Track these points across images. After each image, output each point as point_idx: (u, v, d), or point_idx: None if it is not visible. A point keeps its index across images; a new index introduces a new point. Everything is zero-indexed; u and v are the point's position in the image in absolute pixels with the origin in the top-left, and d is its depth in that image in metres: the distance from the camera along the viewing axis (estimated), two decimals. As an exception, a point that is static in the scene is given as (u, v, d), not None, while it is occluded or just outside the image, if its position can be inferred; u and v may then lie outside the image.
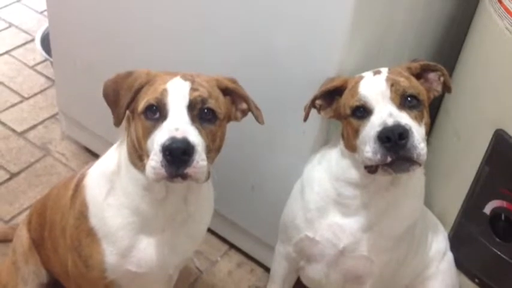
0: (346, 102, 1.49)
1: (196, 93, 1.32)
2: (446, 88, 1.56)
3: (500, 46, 1.68)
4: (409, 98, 1.44)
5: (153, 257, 1.48)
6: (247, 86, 1.47)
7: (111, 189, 1.45)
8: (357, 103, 1.45)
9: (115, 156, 1.47)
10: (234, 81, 1.44)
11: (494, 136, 1.72)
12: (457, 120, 1.87)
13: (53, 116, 2.70)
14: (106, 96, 1.41)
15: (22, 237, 1.83)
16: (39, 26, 3.12)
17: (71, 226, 1.53)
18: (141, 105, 1.33)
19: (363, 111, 1.45)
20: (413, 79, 1.49)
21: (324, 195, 1.60)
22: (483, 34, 1.78)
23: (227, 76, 1.44)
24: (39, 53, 2.90)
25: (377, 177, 1.49)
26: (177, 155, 1.24)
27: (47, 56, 2.78)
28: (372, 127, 1.40)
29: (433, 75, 1.55)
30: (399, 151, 1.36)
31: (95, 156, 2.47)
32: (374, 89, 1.44)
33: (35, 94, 2.82)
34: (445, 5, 1.96)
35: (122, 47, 2.06)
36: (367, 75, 1.50)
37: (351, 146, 1.49)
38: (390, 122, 1.37)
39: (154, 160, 1.26)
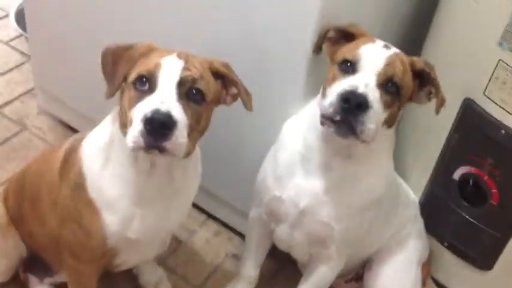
0: (346, 51, 1.51)
1: (187, 73, 1.34)
2: (436, 106, 1.55)
3: (468, 17, 1.72)
4: (390, 83, 1.46)
5: (150, 224, 1.52)
6: (226, 58, 1.48)
7: (107, 160, 1.47)
8: (350, 57, 1.47)
9: (108, 127, 1.49)
10: (227, 66, 1.45)
11: (462, 105, 1.77)
12: (426, 89, 1.92)
13: (29, 91, 2.68)
14: (104, 65, 1.41)
15: (-1, 212, 1.84)
16: (12, 1, 3.08)
17: (66, 197, 1.54)
18: (133, 75, 1.35)
19: (349, 68, 1.47)
20: (409, 74, 1.50)
21: (293, 149, 1.63)
22: (452, 5, 1.82)
23: (220, 60, 1.46)
24: (14, 29, 2.88)
25: (336, 140, 1.51)
26: (157, 126, 1.26)
27: (22, 32, 2.77)
28: (343, 83, 1.44)
29: (427, 88, 1.55)
30: (349, 116, 1.40)
31: (72, 130, 2.48)
32: (373, 57, 1.47)
33: (10, 69, 2.79)
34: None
35: (98, 21, 2.06)
36: (379, 43, 1.51)
37: (324, 91, 1.51)
38: (361, 89, 1.41)
39: (135, 128, 1.28)
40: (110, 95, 1.40)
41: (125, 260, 1.67)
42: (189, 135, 1.33)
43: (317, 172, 1.60)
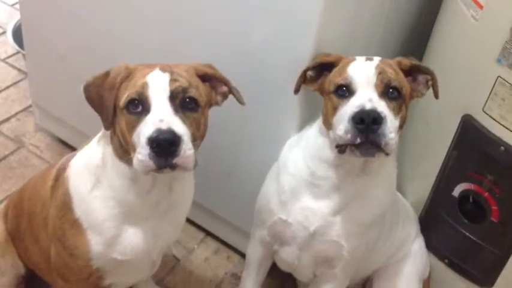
0: (333, 78, 1.52)
1: (176, 84, 1.33)
2: (434, 93, 1.58)
3: (467, 34, 1.72)
4: (391, 89, 1.47)
5: (138, 245, 1.50)
6: (224, 74, 1.48)
7: (97, 183, 1.45)
8: (342, 82, 1.48)
9: (99, 150, 1.47)
10: (211, 67, 1.46)
11: (461, 121, 1.77)
12: (425, 106, 1.91)
13: (25, 109, 2.69)
14: (91, 101, 1.40)
15: (-2, 229, 1.83)
16: (10, 19, 3.10)
17: (54, 216, 1.53)
18: (123, 100, 1.33)
19: (345, 91, 1.47)
20: (400, 74, 1.52)
21: (298, 175, 1.63)
22: (450, 22, 1.82)
23: (203, 63, 1.46)
24: (11, 46, 2.88)
25: (349, 160, 1.53)
26: (164, 146, 1.25)
27: (19, 49, 2.77)
28: (349, 107, 1.44)
29: (422, 78, 1.58)
30: (369, 135, 1.40)
31: (69, 147, 2.47)
32: (362, 72, 1.47)
33: (7, 87, 2.80)
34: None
35: (95, 39, 2.06)
36: (360, 59, 1.53)
37: (328, 123, 1.52)
38: (368, 106, 1.41)
39: (142, 153, 1.27)
40: (107, 127, 1.39)
41: (114, 281, 1.64)
42: (193, 144, 1.32)
43: (326, 195, 1.60)
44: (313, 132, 1.62)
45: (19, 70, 2.89)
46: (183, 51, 1.70)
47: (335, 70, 1.54)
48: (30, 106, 2.65)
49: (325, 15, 1.57)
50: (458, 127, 1.78)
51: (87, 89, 1.40)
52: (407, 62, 1.55)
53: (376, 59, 1.52)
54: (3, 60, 2.95)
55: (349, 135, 1.41)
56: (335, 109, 1.49)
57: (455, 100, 1.77)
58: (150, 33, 1.91)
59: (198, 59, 1.47)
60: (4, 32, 3.04)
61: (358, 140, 1.41)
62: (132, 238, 1.49)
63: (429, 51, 1.95)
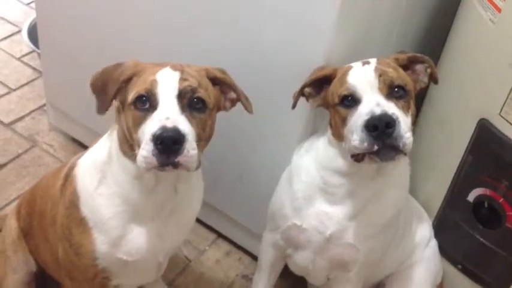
0: (334, 91, 1.51)
1: (185, 83, 1.33)
2: (433, 79, 1.58)
3: (484, 37, 1.70)
4: (396, 89, 1.46)
5: (143, 246, 1.50)
6: (235, 77, 1.48)
7: (102, 179, 1.46)
8: (345, 92, 1.47)
9: (105, 146, 1.48)
10: (223, 72, 1.46)
11: (477, 125, 1.75)
12: (441, 110, 1.90)
13: (40, 108, 2.70)
14: (94, 86, 1.42)
15: (11, 226, 1.84)
16: (25, 17, 3.11)
17: (62, 215, 1.54)
18: (131, 95, 1.34)
19: (351, 100, 1.46)
20: (400, 70, 1.51)
21: (310, 183, 1.62)
22: (467, 25, 1.81)
23: (216, 66, 1.45)
24: (26, 45, 2.89)
25: (363, 166, 1.51)
26: (168, 144, 1.25)
27: (34, 48, 2.78)
28: (359, 116, 1.42)
29: (420, 67, 1.57)
30: (386, 140, 1.38)
31: (83, 147, 2.47)
32: (362, 78, 1.46)
33: (22, 85, 2.81)
34: (430, -4, 1.99)
35: (109, 38, 2.07)
36: (356, 65, 1.52)
37: (338, 135, 1.51)
38: (378, 111, 1.39)
39: (146, 149, 1.27)
40: (101, 111, 1.40)
41: (121, 283, 1.64)
42: (197, 144, 1.32)
43: (340, 201, 1.59)
44: (322, 143, 1.61)
45: (34, 69, 2.90)
46: (193, 53, 1.69)
47: (335, 82, 1.53)
48: (44, 105, 2.66)
49: (340, 17, 1.56)
50: (474, 131, 1.76)
51: (95, 75, 1.42)
52: (403, 56, 1.54)
53: (373, 61, 1.50)
54: (19, 58, 2.96)
55: (365, 144, 1.40)
56: (344, 120, 1.47)
57: (472, 104, 1.75)
58: (160, 35, 1.91)
59: (209, 61, 1.47)
60: (20, 31, 3.05)
61: (376, 147, 1.39)
62: (138, 238, 1.49)
63: (445, 54, 1.93)
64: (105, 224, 1.46)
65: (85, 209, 1.48)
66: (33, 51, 2.89)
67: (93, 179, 1.47)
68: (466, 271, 1.93)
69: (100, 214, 1.46)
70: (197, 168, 1.34)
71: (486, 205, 1.80)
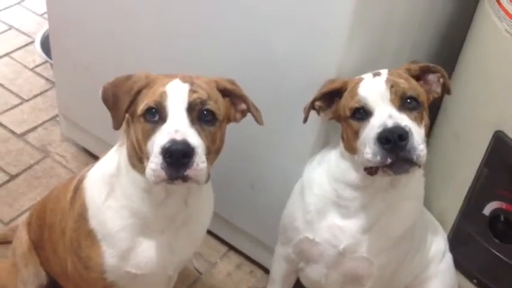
0: (345, 103, 1.49)
1: (195, 95, 1.32)
2: (446, 90, 1.55)
3: (499, 47, 1.68)
4: (408, 100, 1.44)
5: (152, 259, 1.48)
6: (247, 87, 1.47)
7: (111, 192, 1.45)
8: (357, 105, 1.45)
9: (115, 158, 1.47)
10: (233, 83, 1.45)
11: (493, 138, 1.73)
12: (456, 121, 1.88)
13: (52, 118, 2.70)
14: (105, 99, 1.41)
15: (22, 238, 1.84)
16: (39, 28, 3.12)
17: (71, 228, 1.53)
18: (141, 107, 1.33)
19: (362, 113, 1.45)
20: (412, 80, 1.50)
21: (323, 196, 1.60)
22: (482, 36, 1.79)
23: (226, 77, 1.44)
24: (39, 55, 2.90)
25: (376, 179, 1.49)
26: (177, 157, 1.24)
27: (47, 58, 2.79)
28: (371, 129, 1.40)
29: (433, 77, 1.55)
30: (399, 152, 1.36)
31: (95, 158, 2.46)
32: (374, 90, 1.44)
33: (35, 96, 2.82)
34: (445, 7, 1.97)
35: (122, 49, 2.07)
36: (367, 77, 1.50)
37: (351, 148, 1.49)
38: (390, 123, 1.37)
39: (155, 162, 1.26)
40: (116, 126, 1.39)
41: None
42: (207, 157, 1.30)
43: (354, 214, 1.57)
44: (335, 156, 1.59)
45: (47, 79, 2.91)
46: (204, 64, 1.69)
47: (345, 94, 1.51)
48: (56, 115, 2.66)
49: (353, 27, 1.55)
50: (489, 143, 1.74)
51: (105, 87, 1.41)
52: (415, 66, 1.53)
53: (384, 72, 1.49)
54: (32, 69, 2.97)
55: (378, 157, 1.38)
56: (356, 133, 1.46)
57: (487, 115, 1.73)
58: (172, 45, 1.91)
59: (220, 72, 1.46)
60: (33, 41, 3.06)
61: (389, 161, 1.37)
62: (147, 252, 1.47)
63: (460, 64, 1.91)
64: (113, 237, 1.45)
65: (93, 222, 1.47)
66: (46, 61, 2.90)
67: (102, 191, 1.46)
68: (481, 285, 1.90)
69: (108, 227, 1.45)
70: (207, 181, 1.32)
71: (502, 219, 1.78)
